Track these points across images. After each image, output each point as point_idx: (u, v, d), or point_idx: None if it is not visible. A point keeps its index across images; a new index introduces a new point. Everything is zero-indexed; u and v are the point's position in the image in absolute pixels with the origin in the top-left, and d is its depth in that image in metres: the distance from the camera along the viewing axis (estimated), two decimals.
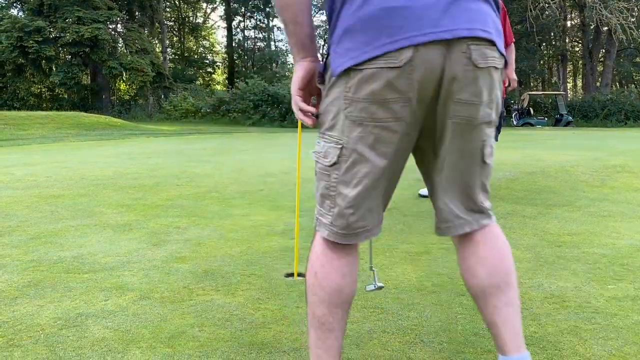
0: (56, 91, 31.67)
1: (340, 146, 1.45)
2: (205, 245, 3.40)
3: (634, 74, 37.12)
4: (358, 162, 1.45)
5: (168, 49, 39.56)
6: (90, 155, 8.36)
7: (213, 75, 45.91)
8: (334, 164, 1.47)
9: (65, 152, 9.23)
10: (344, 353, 1.96)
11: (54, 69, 29.66)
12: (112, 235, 3.66)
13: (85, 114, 21.58)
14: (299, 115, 1.53)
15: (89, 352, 1.97)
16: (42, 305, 2.42)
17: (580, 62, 39.45)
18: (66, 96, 31.82)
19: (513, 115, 24.76)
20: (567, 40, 38.03)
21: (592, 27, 30.65)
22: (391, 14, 1.36)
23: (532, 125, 23.92)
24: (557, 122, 24.77)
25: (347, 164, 1.46)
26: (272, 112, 24.25)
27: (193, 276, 2.80)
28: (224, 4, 42.73)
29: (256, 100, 24.89)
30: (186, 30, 44.81)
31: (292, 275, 2.84)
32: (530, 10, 27.92)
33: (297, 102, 1.52)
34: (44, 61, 28.85)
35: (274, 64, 38.91)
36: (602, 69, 34.22)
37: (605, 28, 28.69)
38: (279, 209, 4.49)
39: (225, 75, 44.69)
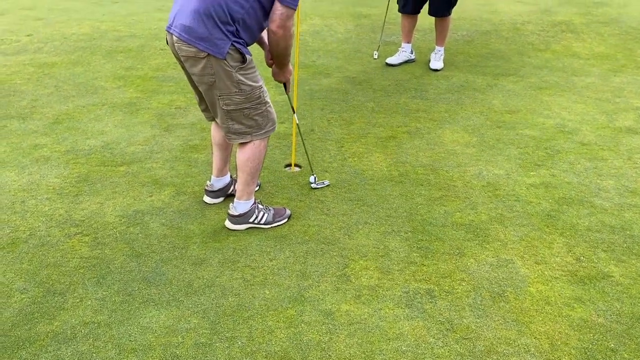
0: None
1: None
2: (208, 132, 4.02)
3: None
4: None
5: None
6: None
7: None
8: None
9: None
10: (341, 244, 2.80)
11: None
12: (123, 119, 4.22)
13: None
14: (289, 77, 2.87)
15: (159, 248, 2.75)
16: (102, 203, 3.13)
17: None
18: None
19: None
20: None
21: None
22: None
23: None
24: None
25: None
26: None
27: (210, 168, 3.50)
28: None
29: None
30: None
31: (290, 166, 3.58)
32: None
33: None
34: None
35: None
36: None
37: None
38: None
39: None
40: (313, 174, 3.33)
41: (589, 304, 2.43)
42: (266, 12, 2.52)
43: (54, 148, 3.75)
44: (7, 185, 3.28)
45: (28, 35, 6.22)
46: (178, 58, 2.64)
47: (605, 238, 2.89)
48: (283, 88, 3.02)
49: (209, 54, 2.46)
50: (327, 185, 3.33)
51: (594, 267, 2.67)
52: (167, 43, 2.65)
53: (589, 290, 2.52)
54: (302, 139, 3.46)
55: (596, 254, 2.77)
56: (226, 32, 2.45)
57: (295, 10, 2.50)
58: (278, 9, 2.46)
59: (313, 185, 3.30)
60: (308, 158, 3.43)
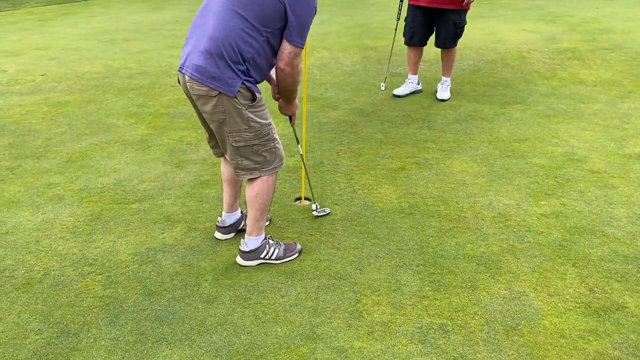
0: None
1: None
2: (219, 167, 4.06)
3: None
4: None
5: None
6: (66, 36, 8.45)
7: None
8: None
9: (34, 26, 9.20)
10: (352, 278, 2.81)
11: None
12: (135, 156, 4.28)
13: None
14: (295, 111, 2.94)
15: (171, 286, 2.77)
16: (114, 241, 3.16)
17: None
18: None
19: None
20: None
21: None
22: None
23: None
24: None
25: None
26: None
27: (221, 204, 3.53)
28: None
29: None
30: None
31: (300, 199, 3.60)
32: None
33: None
34: None
35: None
36: None
37: None
38: None
39: None
40: (315, 202, 3.40)
41: (605, 337, 2.40)
42: (275, 51, 2.58)
43: (67, 187, 3.81)
44: (22, 225, 3.33)
45: (42, 75, 6.35)
46: (190, 97, 2.69)
47: (618, 268, 2.87)
48: (289, 120, 3.07)
49: (220, 93, 2.52)
50: (328, 214, 3.39)
51: (608, 298, 2.65)
52: (179, 83, 2.71)
53: (603, 322, 2.49)
54: (304, 168, 3.48)
55: (610, 284, 2.74)
56: (237, 71, 2.51)
57: (303, 48, 2.56)
58: (286, 48, 2.52)
59: (315, 213, 3.34)
60: (310, 185, 3.48)
